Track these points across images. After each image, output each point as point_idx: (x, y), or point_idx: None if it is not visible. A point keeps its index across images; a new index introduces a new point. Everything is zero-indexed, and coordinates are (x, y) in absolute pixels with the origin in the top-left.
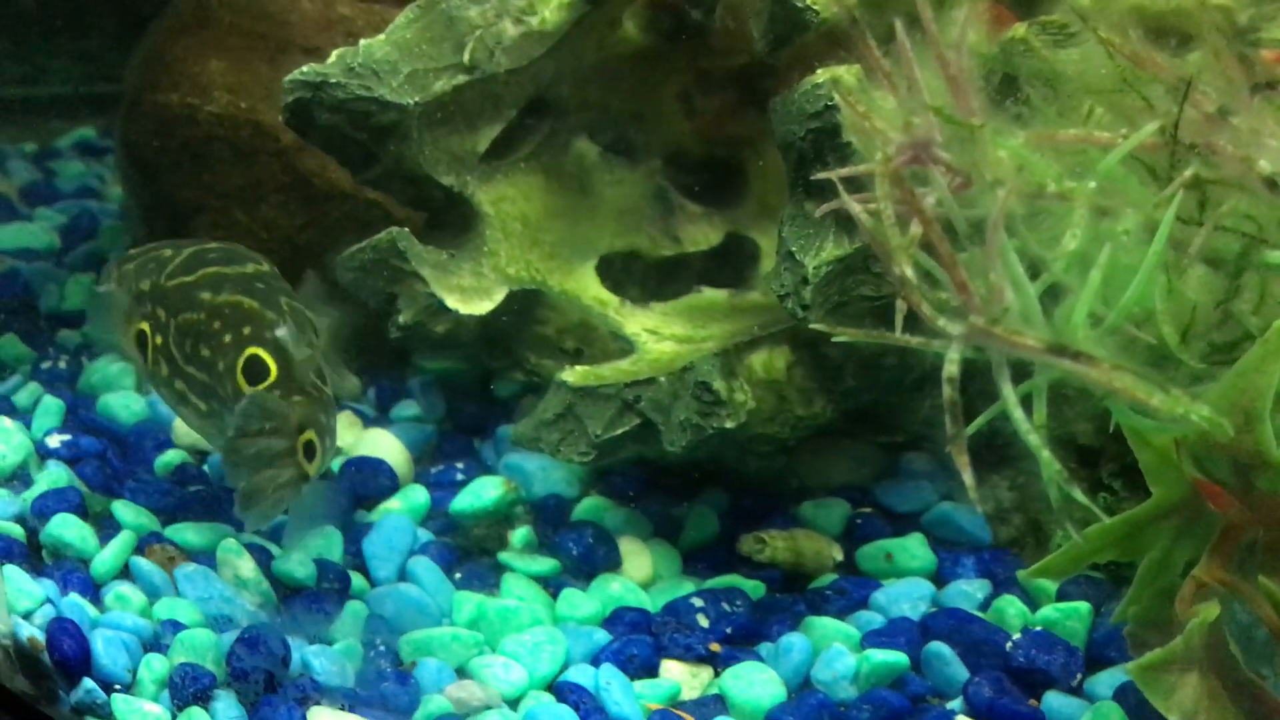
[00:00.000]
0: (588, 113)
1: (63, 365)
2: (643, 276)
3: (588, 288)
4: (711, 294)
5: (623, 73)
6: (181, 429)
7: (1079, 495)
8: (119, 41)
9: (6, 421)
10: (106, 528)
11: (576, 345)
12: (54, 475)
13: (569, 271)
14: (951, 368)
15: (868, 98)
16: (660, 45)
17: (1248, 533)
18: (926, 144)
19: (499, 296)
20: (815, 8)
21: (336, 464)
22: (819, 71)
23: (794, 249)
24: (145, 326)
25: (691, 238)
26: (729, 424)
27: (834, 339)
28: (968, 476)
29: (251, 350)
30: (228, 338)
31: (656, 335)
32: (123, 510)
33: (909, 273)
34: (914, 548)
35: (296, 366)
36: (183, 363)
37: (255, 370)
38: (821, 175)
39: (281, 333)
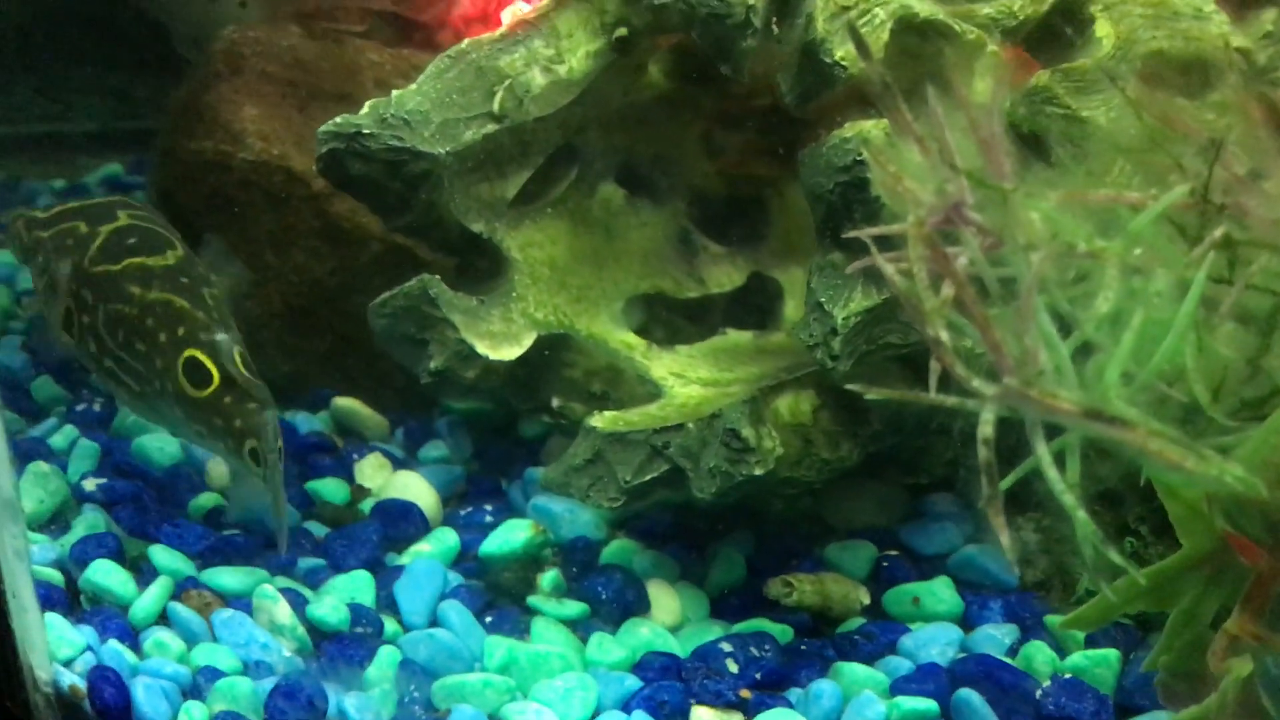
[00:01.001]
0: (613, 157)
1: (97, 407)
2: (668, 317)
3: (614, 331)
4: (736, 336)
5: (647, 117)
6: (215, 471)
7: (1115, 556)
8: (145, 78)
9: (44, 466)
10: (144, 572)
11: (603, 388)
12: (91, 520)
13: (595, 315)
14: (986, 429)
15: (896, 154)
16: (684, 89)
17: (1279, 585)
18: (959, 207)
19: (528, 341)
20: (843, 63)
21: (367, 506)
22: (846, 126)
23: (823, 300)
24: (70, 304)
25: (715, 278)
26: (757, 471)
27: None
28: (1005, 538)
29: (190, 352)
30: (163, 337)
31: (683, 379)
32: (160, 555)
33: (943, 335)
34: (941, 591)
35: (236, 370)
36: (115, 348)
37: (197, 373)
38: (852, 234)
39: (220, 337)
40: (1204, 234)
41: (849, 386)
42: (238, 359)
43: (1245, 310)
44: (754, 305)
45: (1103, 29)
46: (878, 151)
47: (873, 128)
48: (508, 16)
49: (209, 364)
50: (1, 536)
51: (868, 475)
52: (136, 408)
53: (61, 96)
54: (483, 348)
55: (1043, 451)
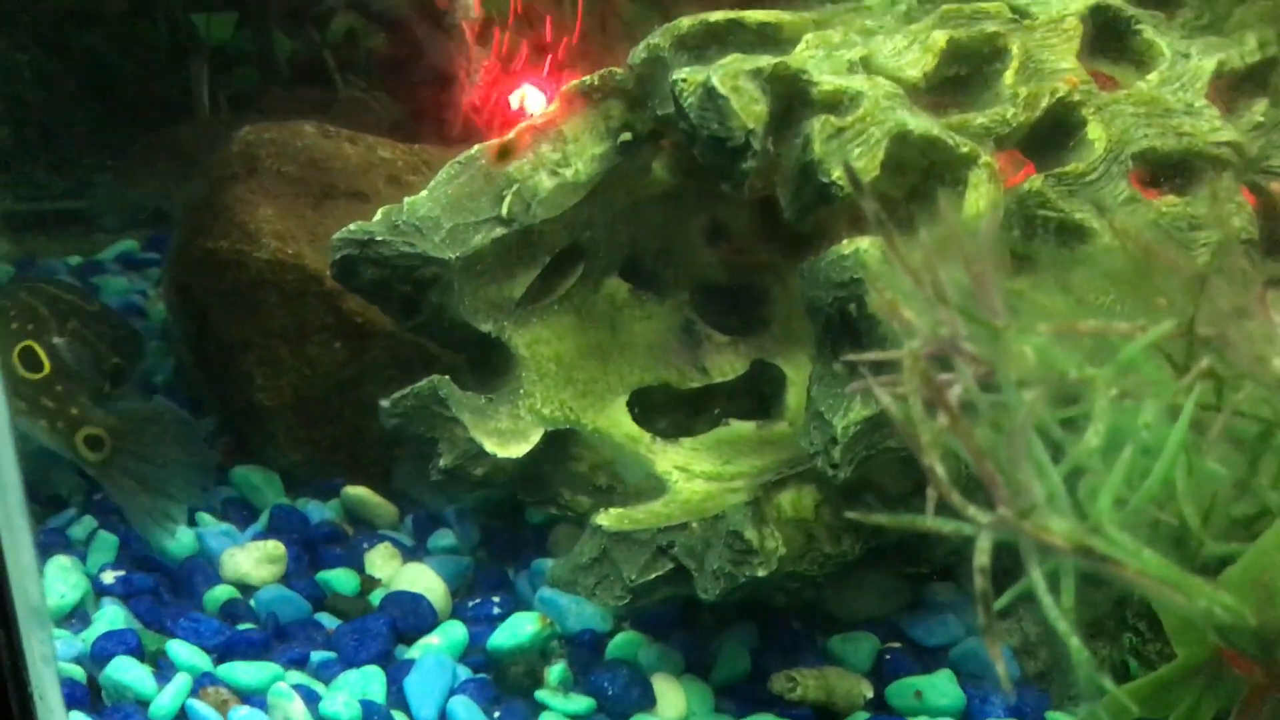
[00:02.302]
0: (618, 252)
1: None
2: (671, 408)
3: (619, 424)
4: (739, 426)
5: (651, 212)
6: (229, 563)
7: (1108, 685)
8: (156, 153)
9: (65, 560)
10: (162, 667)
11: (609, 482)
12: (111, 615)
13: (601, 409)
14: (982, 558)
15: (892, 275)
16: (687, 183)
17: (1273, 694)
18: (952, 340)
19: (535, 438)
20: (840, 182)
21: (377, 597)
22: (844, 242)
23: (823, 409)
24: None
25: (719, 368)
26: (761, 572)
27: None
28: (1001, 669)
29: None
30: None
31: (687, 473)
32: (178, 650)
33: (938, 467)
34: (943, 685)
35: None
36: None
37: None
38: (849, 358)
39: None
40: (1191, 363)
41: (849, 515)
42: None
43: (1234, 433)
44: (757, 393)
45: (1094, 131)
46: (874, 277)
47: (870, 246)
48: (515, 101)
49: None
50: (29, 643)
51: (870, 565)
52: None
53: (76, 174)
54: (491, 446)
55: (1037, 578)
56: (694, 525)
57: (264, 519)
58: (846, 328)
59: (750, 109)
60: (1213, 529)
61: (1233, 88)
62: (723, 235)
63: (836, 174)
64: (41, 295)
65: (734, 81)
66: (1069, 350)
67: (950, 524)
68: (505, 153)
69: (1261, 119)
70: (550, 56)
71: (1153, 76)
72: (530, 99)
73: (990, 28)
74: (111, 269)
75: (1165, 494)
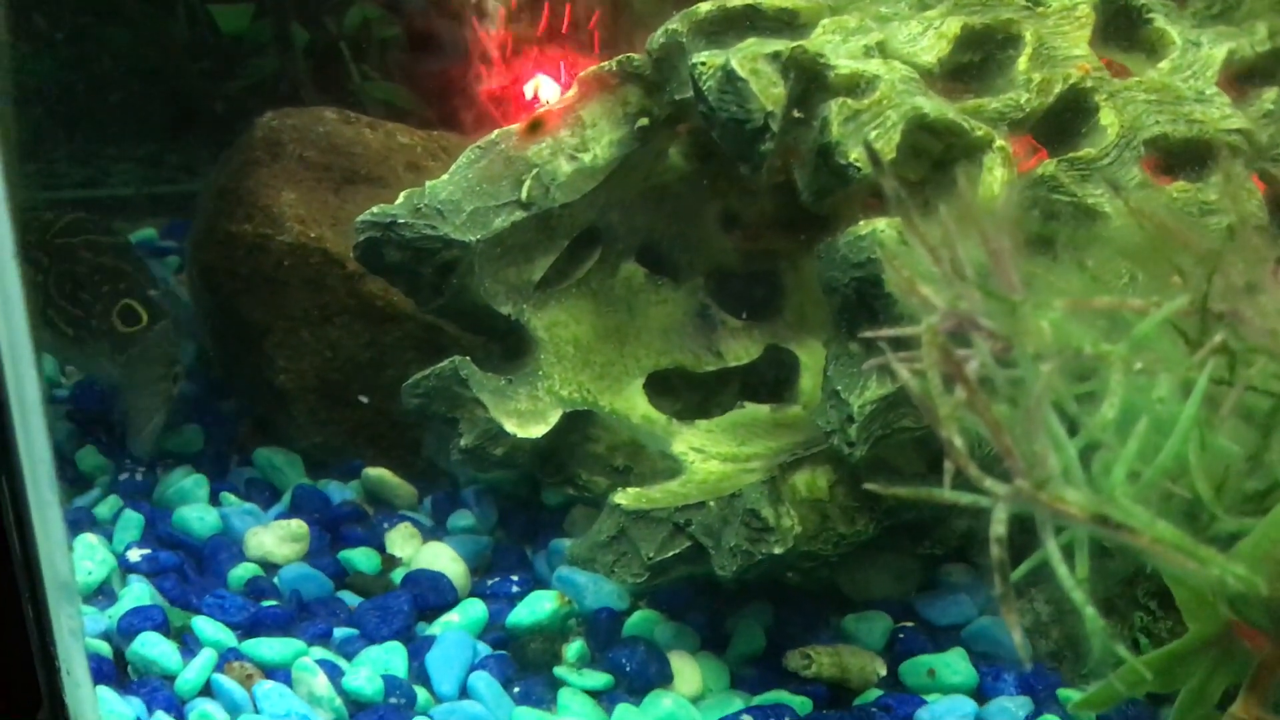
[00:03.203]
0: (635, 237)
1: (139, 477)
2: (687, 391)
3: (636, 406)
4: (754, 409)
5: (668, 197)
6: (252, 541)
7: (1124, 652)
8: (178, 144)
9: (91, 538)
10: (188, 643)
11: (626, 463)
12: (137, 591)
13: (618, 391)
14: (999, 528)
15: (909, 255)
16: (703, 169)
17: None
18: (969, 315)
19: (553, 419)
20: (858, 164)
21: (398, 575)
22: (861, 223)
23: (839, 388)
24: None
25: (733, 352)
26: (777, 550)
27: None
28: (1017, 635)
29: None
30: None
31: (703, 454)
32: (203, 626)
33: (956, 439)
34: (955, 663)
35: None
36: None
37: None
38: (868, 334)
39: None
40: (1204, 339)
41: (867, 486)
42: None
43: (1246, 408)
44: (771, 377)
45: (1107, 117)
46: (891, 255)
47: (886, 226)
48: (530, 91)
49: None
50: (59, 617)
51: (883, 546)
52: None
53: (96, 162)
54: (511, 426)
55: (1053, 549)
56: (711, 504)
57: (286, 499)
58: (863, 307)
59: (769, 91)
60: (1225, 503)
61: (1243, 76)
62: (737, 222)
63: (854, 155)
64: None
65: (753, 64)
66: (1084, 327)
67: (968, 496)
68: (532, 128)
69: (1271, 107)
70: (564, 44)
71: (1164, 64)
72: (544, 87)
73: (1004, 15)
74: None
75: (1178, 468)
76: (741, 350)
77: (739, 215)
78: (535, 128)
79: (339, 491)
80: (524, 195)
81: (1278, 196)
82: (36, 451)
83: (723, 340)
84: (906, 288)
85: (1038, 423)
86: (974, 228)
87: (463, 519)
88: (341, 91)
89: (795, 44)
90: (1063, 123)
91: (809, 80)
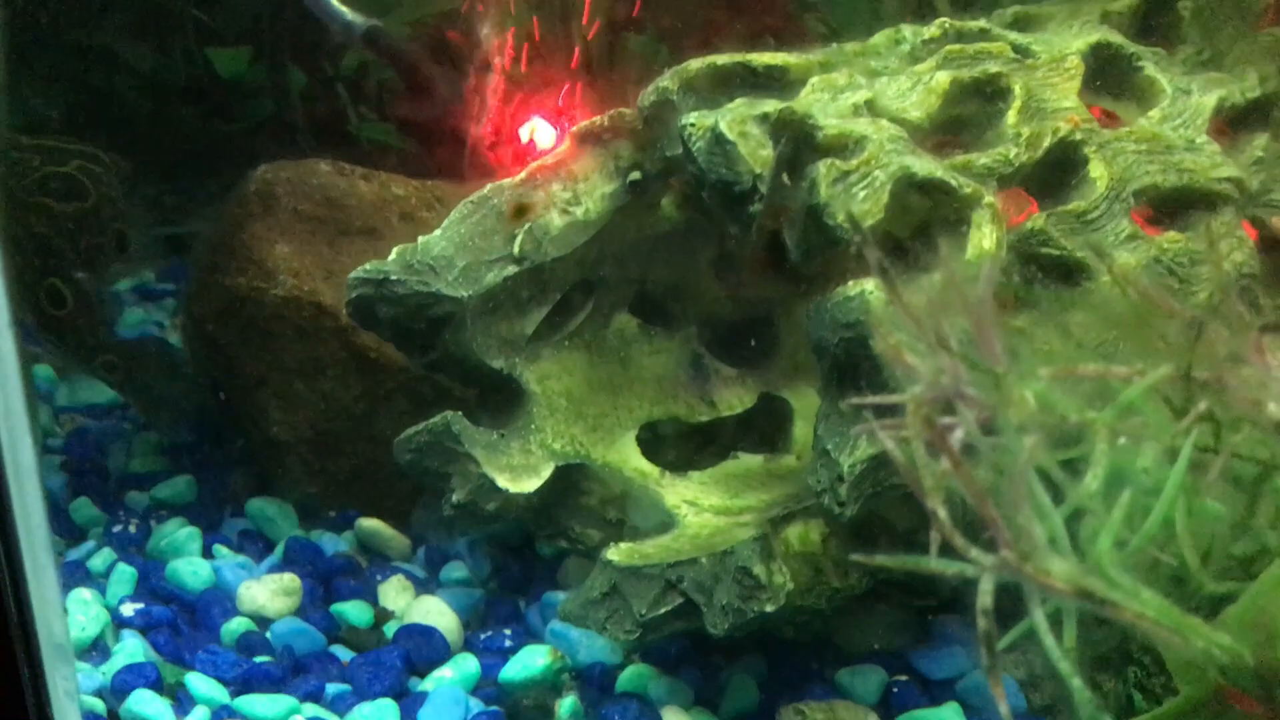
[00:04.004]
0: (628, 288)
1: (133, 529)
2: (679, 441)
3: (629, 459)
4: (747, 460)
5: (660, 247)
6: (245, 595)
7: None
8: (176, 187)
9: (85, 593)
10: (181, 700)
11: (619, 515)
12: (130, 647)
13: (611, 443)
14: (985, 599)
15: (895, 317)
16: (695, 219)
17: None
18: (954, 386)
19: (546, 473)
20: (845, 225)
21: (391, 629)
22: (851, 283)
23: (829, 447)
24: None
25: (727, 401)
26: (769, 607)
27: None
28: (1004, 710)
29: None
30: None
31: (696, 507)
32: (196, 683)
33: (941, 511)
34: (950, 718)
35: None
36: None
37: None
38: (855, 401)
39: None
40: (1189, 406)
41: (853, 557)
42: None
43: (1233, 472)
44: (765, 426)
45: (1096, 169)
46: (878, 319)
47: (874, 288)
48: (525, 134)
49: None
50: (54, 679)
51: (877, 598)
52: None
53: None
54: (503, 481)
55: (1040, 619)
56: (703, 560)
57: (279, 550)
58: (853, 367)
59: (757, 154)
60: (1212, 568)
61: (1234, 122)
62: (730, 268)
63: (842, 217)
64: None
65: (741, 127)
66: (1069, 392)
67: (954, 565)
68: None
69: (1262, 154)
70: (559, 88)
71: (1154, 113)
72: (540, 132)
73: (992, 68)
74: (128, 300)
75: (1165, 534)
76: (735, 399)
77: (732, 262)
78: (528, 193)
79: (332, 542)
80: (516, 250)
81: (1270, 242)
82: (32, 515)
83: (716, 389)
84: (892, 355)
85: (1022, 494)
86: (958, 295)
87: (456, 570)
88: (339, 133)
89: (783, 105)
90: (1052, 175)
91: (798, 141)
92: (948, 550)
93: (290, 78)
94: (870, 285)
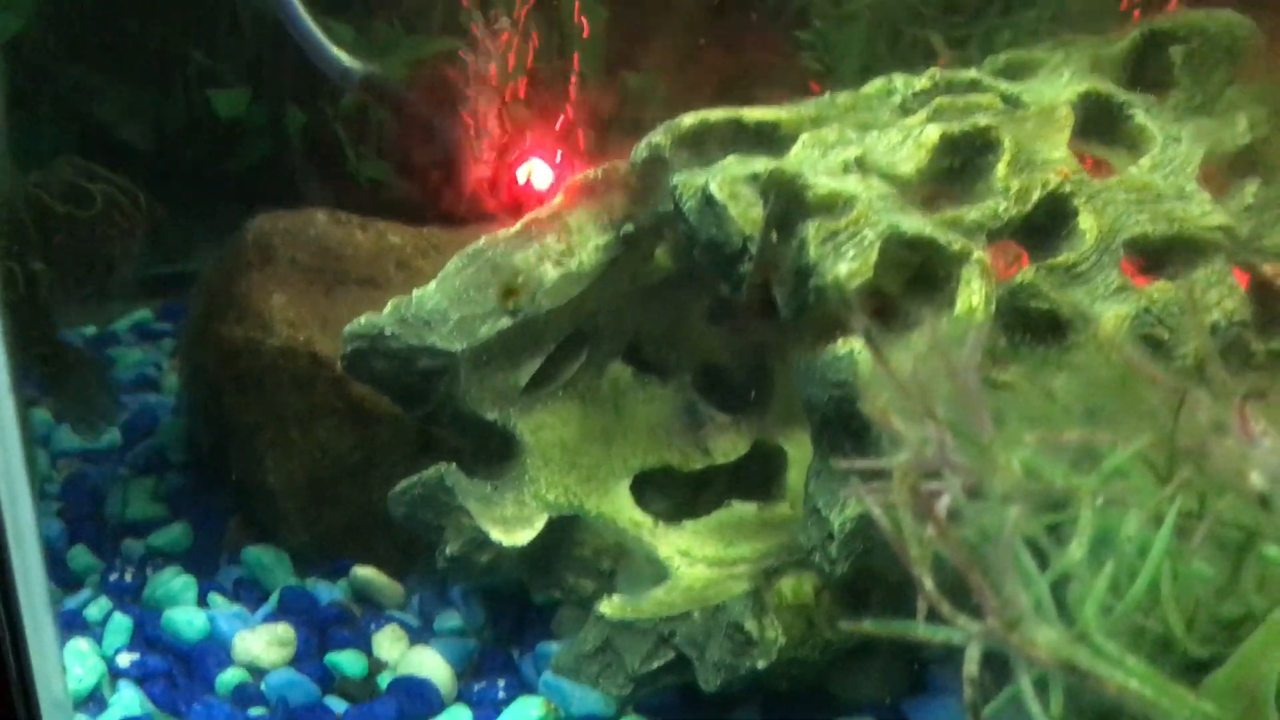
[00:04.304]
0: (622, 337)
1: (128, 577)
2: (673, 489)
3: (622, 509)
4: (741, 508)
5: (654, 296)
6: (240, 645)
7: None
8: (175, 225)
9: (82, 643)
10: None
11: (612, 566)
12: (126, 699)
13: (605, 493)
14: (971, 667)
15: (882, 378)
16: (688, 267)
17: None
18: (940, 454)
19: (539, 524)
20: (834, 284)
21: (385, 680)
22: (840, 342)
23: (819, 505)
24: None
25: (721, 449)
26: (760, 664)
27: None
28: None
29: None
30: None
31: (689, 557)
32: None
33: (927, 581)
34: None
35: None
36: None
37: None
38: (842, 465)
39: None
40: (1172, 471)
41: (842, 625)
42: None
43: (1218, 536)
44: (759, 473)
45: (1086, 221)
46: (866, 383)
47: (862, 349)
48: (523, 175)
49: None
50: None
51: (870, 649)
52: None
53: None
54: (497, 534)
55: (1026, 686)
56: (695, 615)
57: (274, 599)
58: (842, 426)
59: (747, 215)
60: (1198, 632)
61: (1224, 169)
62: (723, 314)
63: (831, 277)
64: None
65: (731, 188)
66: (1053, 454)
67: (941, 632)
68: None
69: (1252, 200)
70: (554, 127)
71: (1144, 161)
72: (537, 173)
73: (982, 121)
74: (126, 340)
75: (1150, 599)
76: (729, 446)
77: (725, 307)
78: (521, 232)
79: (327, 591)
80: (510, 303)
81: (1262, 288)
82: (31, 571)
83: (710, 437)
84: (880, 419)
85: (1008, 563)
86: (944, 358)
87: (450, 619)
88: (336, 172)
89: (773, 165)
90: (1042, 227)
91: (787, 200)
92: (935, 613)
93: (288, 118)
94: (858, 345)
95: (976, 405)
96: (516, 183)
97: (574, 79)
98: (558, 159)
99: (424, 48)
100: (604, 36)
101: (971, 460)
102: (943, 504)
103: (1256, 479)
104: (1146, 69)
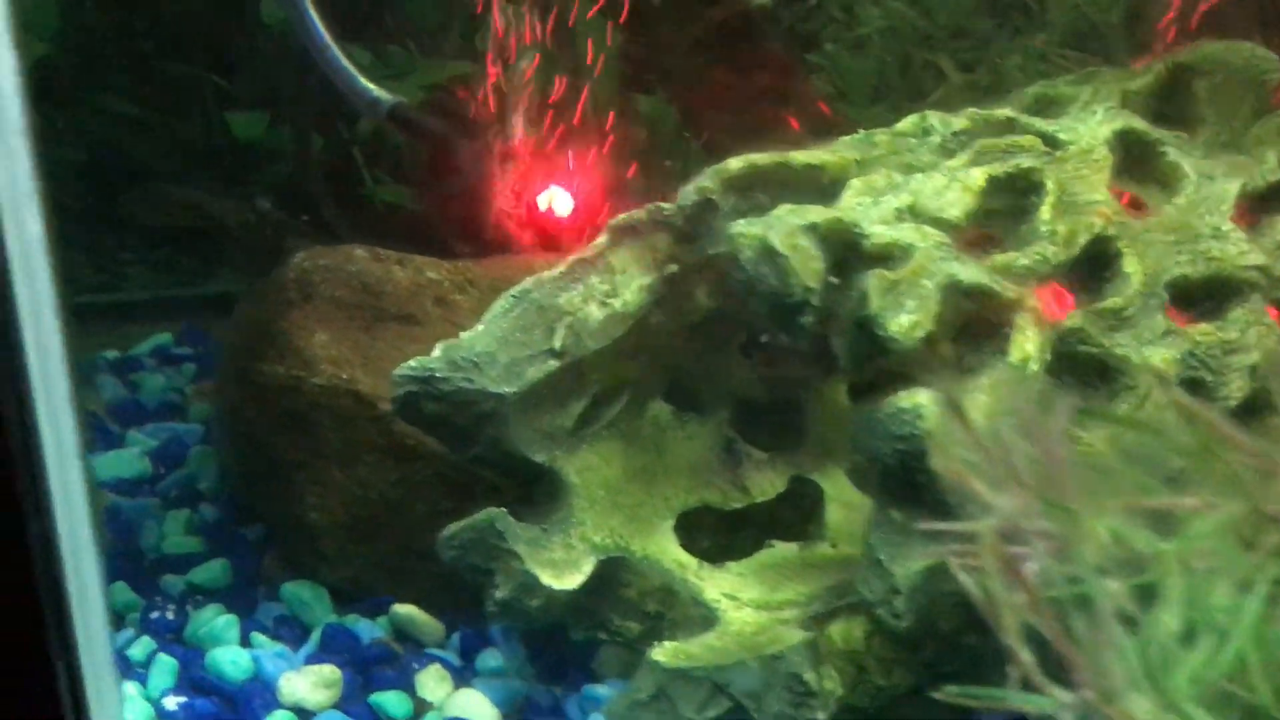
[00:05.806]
0: (662, 376)
1: (170, 615)
2: (713, 528)
3: (667, 550)
4: (783, 549)
5: (694, 335)
6: (286, 687)
7: None
8: (194, 248)
9: (130, 688)
10: None
11: (658, 608)
12: None
13: (649, 534)
14: None
15: (953, 430)
16: (727, 305)
17: None
18: (1028, 521)
19: (588, 568)
20: (897, 336)
21: None
22: (903, 394)
23: (882, 557)
24: None
25: (759, 486)
26: (820, 716)
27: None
28: None
29: None
30: None
31: (735, 601)
32: None
33: (1023, 654)
34: None
35: None
36: None
37: None
38: (924, 527)
39: None
40: (1258, 539)
41: (933, 694)
42: None
43: None
44: (796, 511)
45: (1130, 265)
46: (936, 438)
47: (928, 402)
48: (544, 202)
49: None
50: None
51: (920, 694)
52: None
53: (110, 266)
54: (546, 578)
55: None
56: (751, 663)
57: (315, 637)
58: (907, 479)
59: (809, 267)
60: None
61: (1254, 206)
62: (758, 349)
63: (894, 328)
64: None
65: (792, 240)
66: (1137, 521)
67: (1037, 700)
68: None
69: None
70: (571, 154)
71: (1180, 200)
72: (558, 200)
73: (1025, 163)
74: (148, 365)
75: (1238, 667)
76: (767, 484)
77: (757, 343)
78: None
79: (368, 629)
80: (557, 344)
81: None
82: (95, 633)
83: (748, 474)
84: (956, 479)
85: (1105, 638)
86: (1022, 418)
87: (491, 659)
88: (352, 195)
89: (830, 215)
90: (1087, 270)
91: (845, 250)
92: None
93: (307, 141)
94: (924, 399)
95: (1063, 470)
96: (538, 210)
97: (587, 104)
98: (576, 186)
99: (440, 72)
100: (615, 60)
101: (1059, 526)
102: (1031, 570)
103: None
104: (1172, 103)
